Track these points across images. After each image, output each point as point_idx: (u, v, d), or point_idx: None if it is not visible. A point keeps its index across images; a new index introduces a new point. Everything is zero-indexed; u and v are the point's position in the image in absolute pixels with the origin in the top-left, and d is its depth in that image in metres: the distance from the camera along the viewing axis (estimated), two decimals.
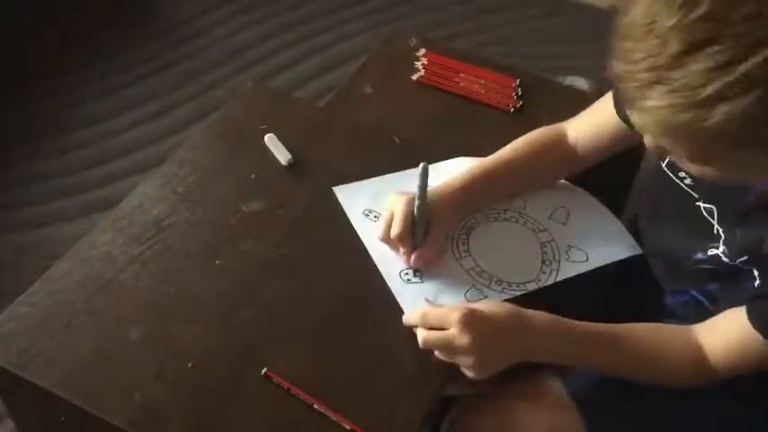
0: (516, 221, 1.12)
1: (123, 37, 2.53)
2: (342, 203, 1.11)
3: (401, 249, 1.03)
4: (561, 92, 1.52)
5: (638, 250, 1.12)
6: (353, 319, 1.00)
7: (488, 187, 1.10)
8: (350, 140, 1.24)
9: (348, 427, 0.88)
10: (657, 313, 1.09)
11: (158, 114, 2.28)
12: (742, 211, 0.90)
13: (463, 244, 1.07)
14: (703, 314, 1.00)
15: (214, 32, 2.59)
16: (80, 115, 2.26)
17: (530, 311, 0.93)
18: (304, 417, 0.89)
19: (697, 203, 0.96)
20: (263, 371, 0.92)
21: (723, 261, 0.93)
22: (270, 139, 1.20)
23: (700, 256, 0.96)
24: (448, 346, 0.90)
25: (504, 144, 1.15)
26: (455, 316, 0.89)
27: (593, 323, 0.94)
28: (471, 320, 0.89)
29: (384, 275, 1.03)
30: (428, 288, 1.01)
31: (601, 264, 1.08)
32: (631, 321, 0.97)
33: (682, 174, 0.97)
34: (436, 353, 0.93)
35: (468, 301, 1.00)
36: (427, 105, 1.41)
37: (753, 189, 0.88)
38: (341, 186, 1.13)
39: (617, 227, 1.16)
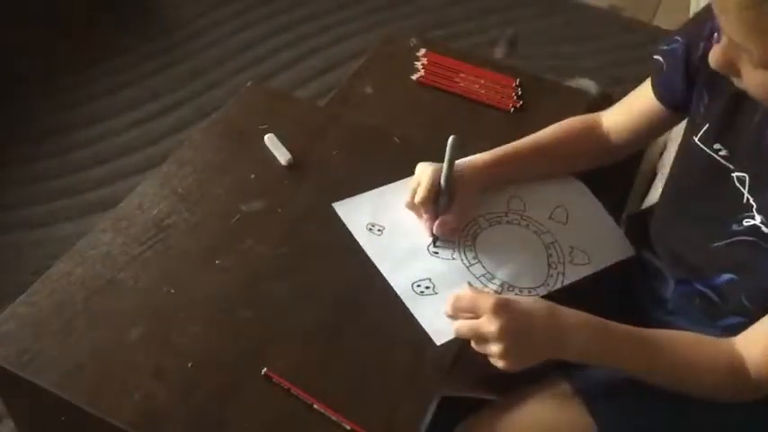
0: (518, 224, 1.12)
1: (123, 37, 2.53)
2: (343, 219, 1.10)
3: (424, 216, 1.07)
4: (561, 92, 1.52)
5: (632, 252, 1.13)
6: (353, 319, 1.00)
7: (516, 166, 1.14)
8: (350, 140, 1.24)
9: (348, 427, 0.88)
10: (658, 311, 1.09)
11: (158, 114, 2.28)
12: None
13: (470, 251, 1.07)
14: (712, 310, 0.99)
15: (214, 32, 2.59)
16: (80, 115, 2.26)
17: (564, 308, 0.90)
18: (304, 417, 0.89)
19: (732, 174, 0.95)
20: (263, 371, 0.92)
21: (763, 232, 0.91)
22: (270, 139, 1.20)
23: (735, 227, 0.94)
24: (477, 334, 0.87)
25: (503, 143, 1.15)
26: (488, 303, 0.86)
27: (630, 326, 0.91)
28: (503, 308, 0.86)
29: (395, 288, 1.02)
30: (441, 298, 0.98)
31: (602, 266, 1.09)
32: (631, 321, 0.96)
33: (717, 146, 0.97)
34: (472, 343, 0.89)
35: None
36: (427, 105, 1.41)
37: None
38: (341, 202, 1.12)
39: (612, 226, 1.16)
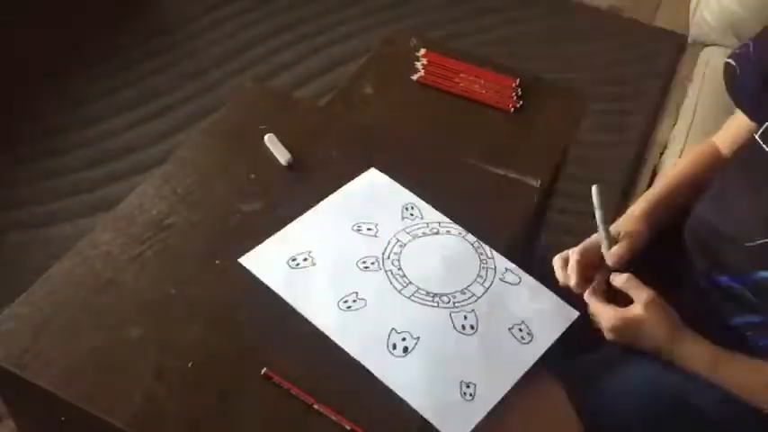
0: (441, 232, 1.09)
1: (123, 37, 2.53)
2: (254, 270, 1.02)
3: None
4: (561, 92, 1.52)
5: None
6: None
7: (664, 208, 1.12)
8: (350, 140, 1.24)
9: (348, 428, 0.88)
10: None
11: (158, 114, 2.28)
12: None
13: (402, 276, 1.03)
14: (730, 306, 1.00)
15: (214, 32, 2.59)
16: (80, 115, 2.25)
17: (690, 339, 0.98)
18: (304, 417, 0.89)
19: None
20: (263, 371, 0.92)
21: None
22: (270, 139, 1.20)
23: None
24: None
25: (503, 143, 1.15)
26: (608, 323, 0.99)
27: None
28: (618, 330, 0.98)
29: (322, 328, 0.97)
30: (370, 313, 0.98)
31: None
32: None
33: None
34: None
35: None
36: (427, 105, 1.41)
37: None
38: (246, 256, 1.04)
39: None
